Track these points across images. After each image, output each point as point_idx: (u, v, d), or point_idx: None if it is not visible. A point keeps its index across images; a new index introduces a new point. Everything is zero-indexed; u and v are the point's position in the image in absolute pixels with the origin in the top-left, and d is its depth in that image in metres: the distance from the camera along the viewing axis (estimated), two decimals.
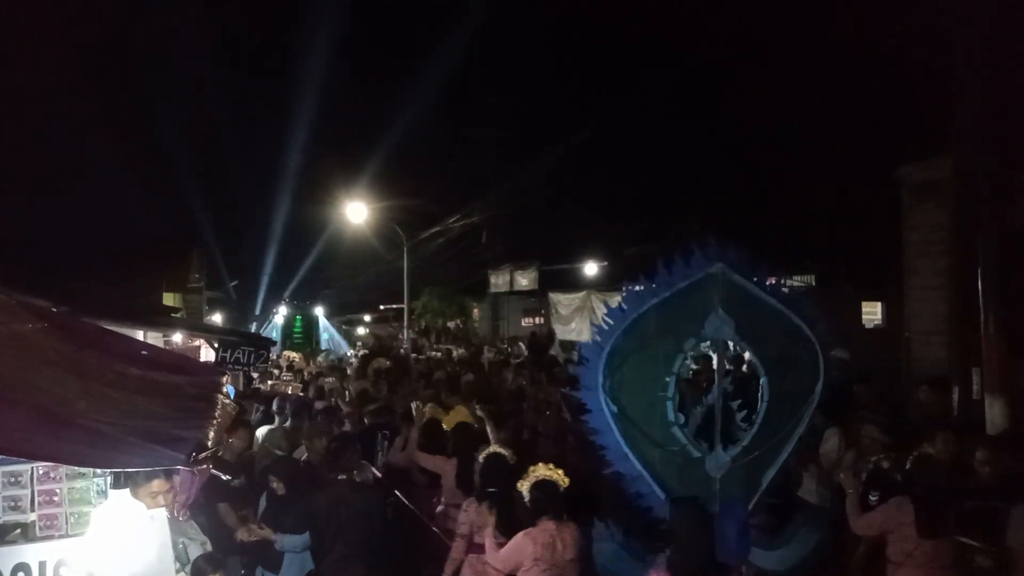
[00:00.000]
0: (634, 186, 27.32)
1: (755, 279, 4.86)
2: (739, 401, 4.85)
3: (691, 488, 4.73)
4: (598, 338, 4.97)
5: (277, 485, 5.57)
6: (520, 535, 4.74)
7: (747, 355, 4.88)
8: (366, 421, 8.50)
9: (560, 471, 4.92)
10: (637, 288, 4.98)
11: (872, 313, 16.81)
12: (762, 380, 4.77)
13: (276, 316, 35.39)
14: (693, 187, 25.96)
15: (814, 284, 16.33)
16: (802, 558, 4.89)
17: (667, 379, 4.77)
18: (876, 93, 18.20)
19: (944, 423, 6.62)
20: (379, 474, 7.21)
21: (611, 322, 4.93)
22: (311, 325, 35.82)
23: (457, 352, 20.49)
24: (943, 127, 9.22)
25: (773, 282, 5.02)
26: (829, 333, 4.90)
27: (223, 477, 3.87)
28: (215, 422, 3.19)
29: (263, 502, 6.03)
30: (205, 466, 2.96)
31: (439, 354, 21.05)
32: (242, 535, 5.39)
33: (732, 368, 5.14)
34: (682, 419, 4.78)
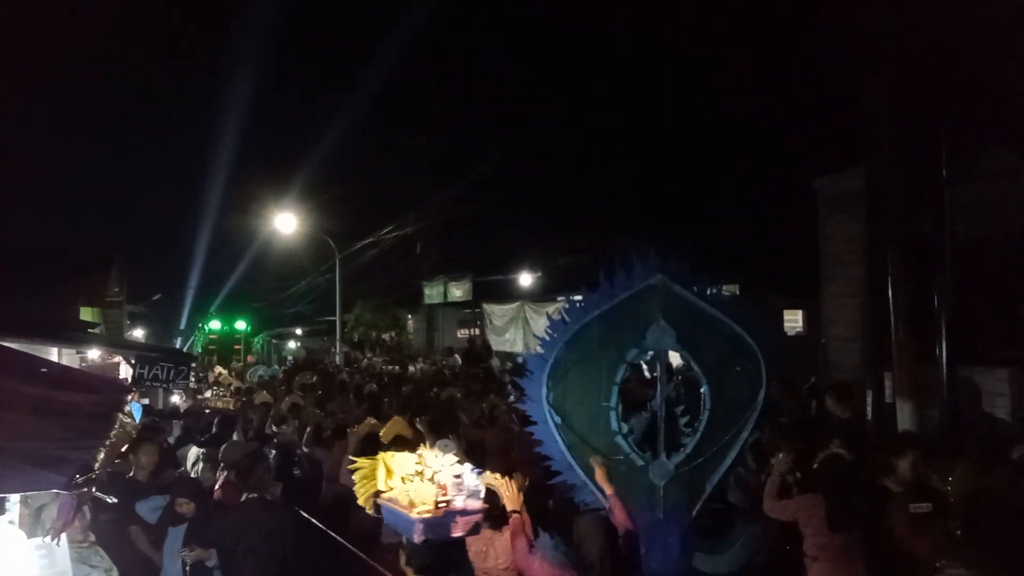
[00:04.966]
0: (565, 197, 27.64)
1: (695, 289, 4.95)
2: (682, 407, 4.92)
3: (635, 495, 4.78)
4: (541, 350, 4.97)
5: (186, 508, 5.39)
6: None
7: (682, 363, 4.95)
8: (275, 440, 8.35)
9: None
10: (579, 300, 5.01)
11: (793, 320, 17.30)
12: (703, 389, 4.85)
13: (201, 330, 34.41)
14: (622, 198, 26.41)
15: (738, 292, 16.70)
16: (752, 554, 5.00)
17: (610, 389, 4.82)
18: (797, 103, 18.79)
19: (852, 428, 6.80)
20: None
21: (554, 334, 4.94)
22: (239, 340, 34.97)
23: (386, 367, 20.19)
24: (856, 138, 9.50)
25: (714, 291, 5.10)
26: (772, 342, 5.01)
27: (107, 499, 3.68)
28: (107, 442, 3.04)
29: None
30: (86, 490, 2.80)
31: (388, 366, 20.61)
32: (185, 556, 5.22)
33: (680, 373, 5.18)
34: (625, 428, 4.83)
